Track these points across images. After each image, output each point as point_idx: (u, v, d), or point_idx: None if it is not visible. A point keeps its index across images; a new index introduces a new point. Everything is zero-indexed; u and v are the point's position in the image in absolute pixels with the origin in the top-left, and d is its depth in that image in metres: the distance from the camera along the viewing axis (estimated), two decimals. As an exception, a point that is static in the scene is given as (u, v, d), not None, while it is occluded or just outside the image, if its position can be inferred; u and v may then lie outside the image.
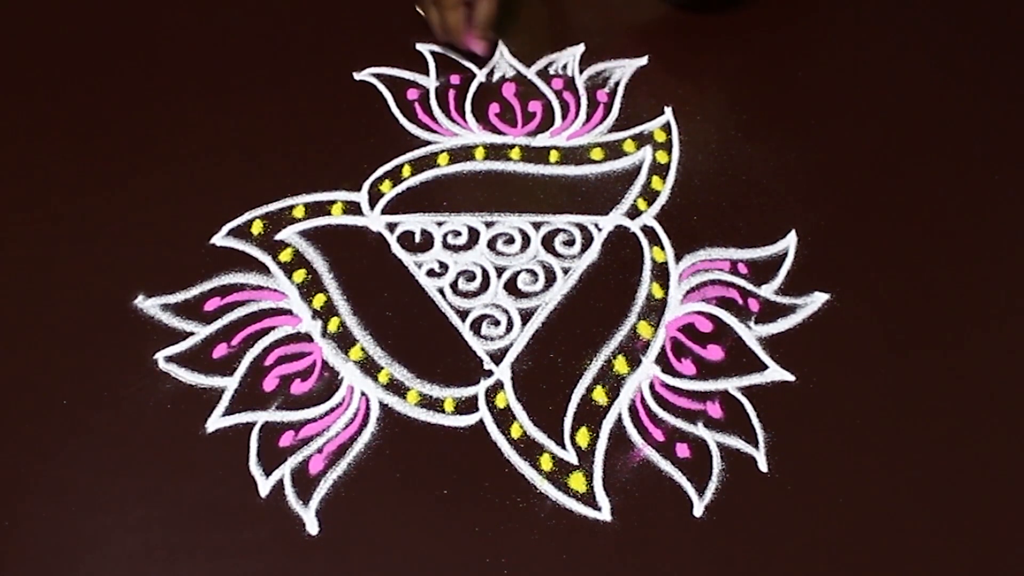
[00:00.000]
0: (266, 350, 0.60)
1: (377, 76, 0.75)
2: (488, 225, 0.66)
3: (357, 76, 0.75)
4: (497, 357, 0.60)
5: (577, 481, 0.55)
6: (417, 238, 0.66)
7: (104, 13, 0.79)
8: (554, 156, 0.70)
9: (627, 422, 0.58)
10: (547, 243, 0.66)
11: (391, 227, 0.66)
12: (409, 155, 0.70)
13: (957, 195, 0.69)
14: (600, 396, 0.59)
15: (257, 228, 0.66)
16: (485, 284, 0.64)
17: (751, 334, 0.61)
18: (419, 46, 0.77)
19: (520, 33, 0.78)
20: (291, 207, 0.67)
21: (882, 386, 0.59)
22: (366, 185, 0.68)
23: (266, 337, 0.61)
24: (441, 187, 0.69)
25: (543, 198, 0.68)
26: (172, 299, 0.62)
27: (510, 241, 0.66)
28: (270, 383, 0.59)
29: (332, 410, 0.58)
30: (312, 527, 0.54)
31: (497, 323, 0.62)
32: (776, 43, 0.78)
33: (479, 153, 0.70)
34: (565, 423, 0.58)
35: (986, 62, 0.77)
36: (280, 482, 0.55)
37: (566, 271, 0.64)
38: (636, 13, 0.80)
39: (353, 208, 0.67)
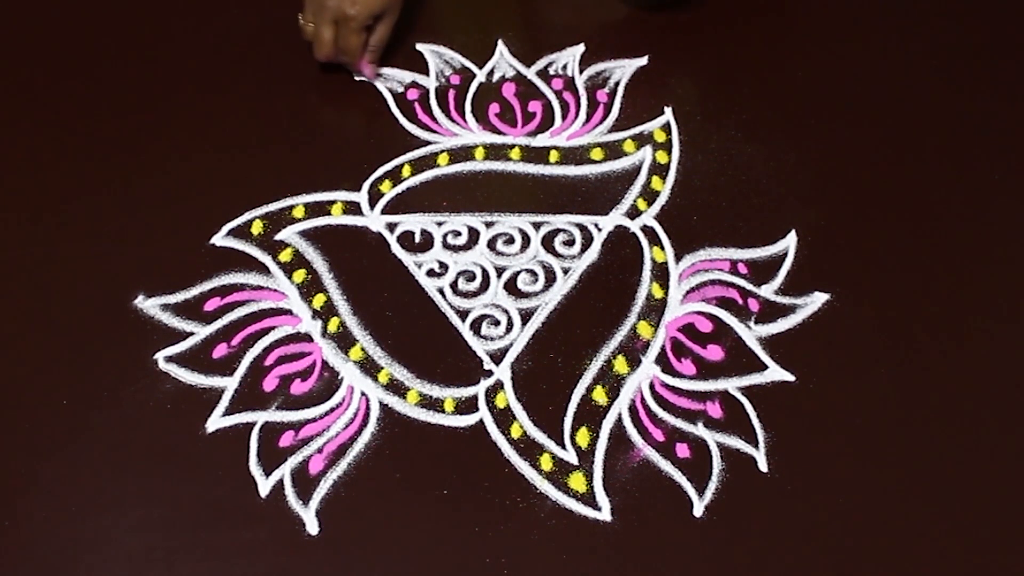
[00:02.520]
0: (266, 350, 0.60)
1: (377, 76, 0.75)
2: (488, 225, 0.66)
3: (357, 76, 0.75)
4: (497, 357, 0.60)
5: (577, 481, 0.55)
6: (417, 238, 0.66)
7: (105, 13, 0.79)
8: (554, 156, 0.70)
9: (627, 422, 0.58)
10: (547, 243, 0.66)
11: (391, 227, 0.66)
12: (409, 155, 0.70)
13: (957, 195, 0.69)
14: (600, 396, 0.59)
15: (257, 228, 0.66)
16: (485, 284, 0.64)
17: (751, 334, 0.61)
18: (419, 46, 0.77)
19: (520, 33, 0.78)
20: (291, 207, 0.67)
21: (882, 386, 0.59)
22: (366, 185, 0.68)
23: (266, 337, 0.61)
24: (441, 187, 0.69)
25: (543, 198, 0.68)
26: (172, 299, 0.62)
27: (510, 241, 0.66)
28: (270, 383, 0.59)
29: (332, 410, 0.58)
30: (312, 527, 0.54)
31: (497, 323, 0.62)
32: (776, 44, 0.78)
33: (479, 153, 0.70)
34: (565, 423, 0.58)
35: (986, 62, 0.77)
36: (280, 482, 0.55)
37: (566, 271, 0.64)
38: (638, 13, 0.80)
39: (353, 208, 0.67)
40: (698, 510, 0.54)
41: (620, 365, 0.60)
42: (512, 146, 0.71)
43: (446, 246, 0.65)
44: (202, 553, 0.53)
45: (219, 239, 0.65)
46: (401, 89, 0.74)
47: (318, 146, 0.71)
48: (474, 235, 0.66)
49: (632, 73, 0.75)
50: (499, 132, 0.72)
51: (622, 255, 0.65)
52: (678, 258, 0.65)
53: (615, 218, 0.67)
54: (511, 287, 0.63)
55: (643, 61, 0.76)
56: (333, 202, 0.68)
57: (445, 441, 0.57)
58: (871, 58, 0.77)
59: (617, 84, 0.75)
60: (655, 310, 0.62)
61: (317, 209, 0.67)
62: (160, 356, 0.60)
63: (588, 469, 0.56)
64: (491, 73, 0.75)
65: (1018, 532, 0.54)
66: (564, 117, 0.73)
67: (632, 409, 0.58)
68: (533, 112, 0.73)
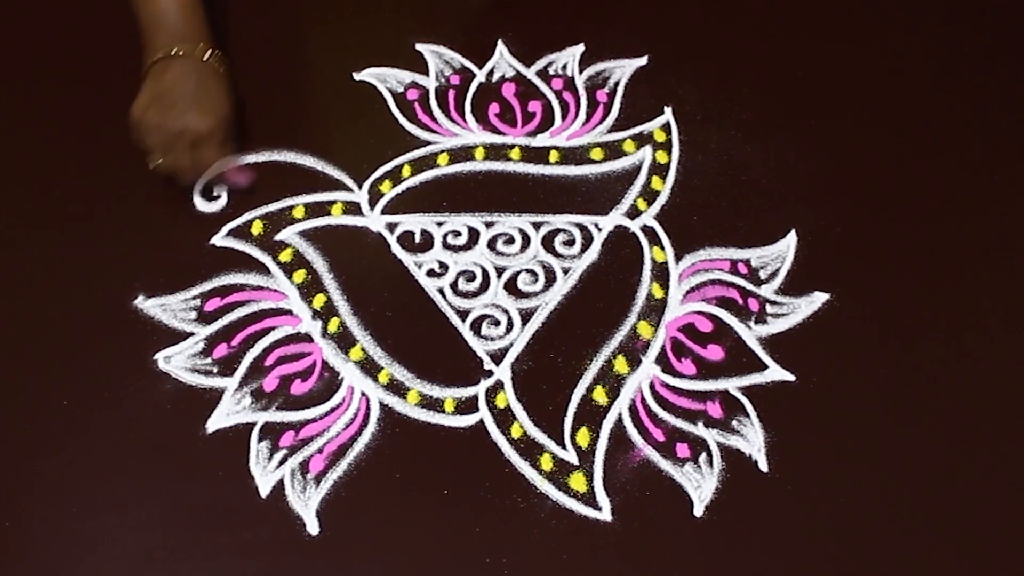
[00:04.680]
0: (266, 350, 0.60)
1: (377, 76, 0.75)
2: (488, 225, 0.66)
3: (357, 76, 0.75)
4: (497, 357, 0.60)
5: (577, 481, 0.55)
6: (417, 238, 0.66)
7: (107, 14, 0.79)
8: (554, 156, 0.70)
9: (627, 422, 0.58)
10: (547, 243, 0.66)
11: (391, 227, 0.66)
12: (409, 155, 0.70)
13: (957, 195, 0.69)
14: (600, 396, 0.59)
15: (257, 228, 0.66)
16: (485, 284, 0.64)
17: (751, 334, 0.61)
18: (419, 46, 0.77)
19: (520, 33, 0.78)
20: (291, 207, 0.67)
21: (882, 386, 0.59)
22: (366, 185, 0.68)
23: (266, 337, 0.61)
24: (441, 187, 0.69)
25: (543, 198, 0.68)
26: (172, 299, 0.62)
27: (510, 241, 0.66)
28: (270, 383, 0.59)
29: (332, 410, 0.58)
30: (312, 527, 0.54)
31: (497, 323, 0.62)
32: (776, 44, 0.78)
33: (479, 153, 0.70)
34: (565, 423, 0.58)
35: (986, 62, 0.77)
36: (280, 482, 0.55)
37: (566, 271, 0.64)
38: (636, 13, 0.80)
39: (353, 208, 0.67)
40: (698, 510, 0.54)
41: (620, 365, 0.60)
42: (512, 146, 0.71)
43: (446, 246, 0.65)
44: (202, 553, 0.53)
45: (219, 239, 0.65)
46: (401, 89, 0.74)
47: (318, 146, 0.70)
48: (474, 235, 0.66)
49: (632, 73, 0.75)
50: (499, 132, 0.72)
51: (622, 255, 0.65)
52: (678, 258, 0.65)
53: (615, 218, 0.67)
54: (511, 287, 0.63)
55: (643, 61, 0.76)
56: (333, 202, 0.68)
57: (445, 441, 0.57)
58: (871, 58, 0.77)
59: (617, 84, 0.75)
60: (655, 310, 0.62)
61: (317, 209, 0.67)
62: (160, 356, 0.60)
63: (588, 469, 0.56)
64: (491, 73, 0.75)
65: (1018, 532, 0.54)
66: (564, 117, 0.73)
67: (632, 409, 0.58)
68: (533, 112, 0.73)
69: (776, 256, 0.65)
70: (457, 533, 0.54)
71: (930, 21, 0.80)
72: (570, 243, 0.66)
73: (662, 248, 0.65)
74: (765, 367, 0.60)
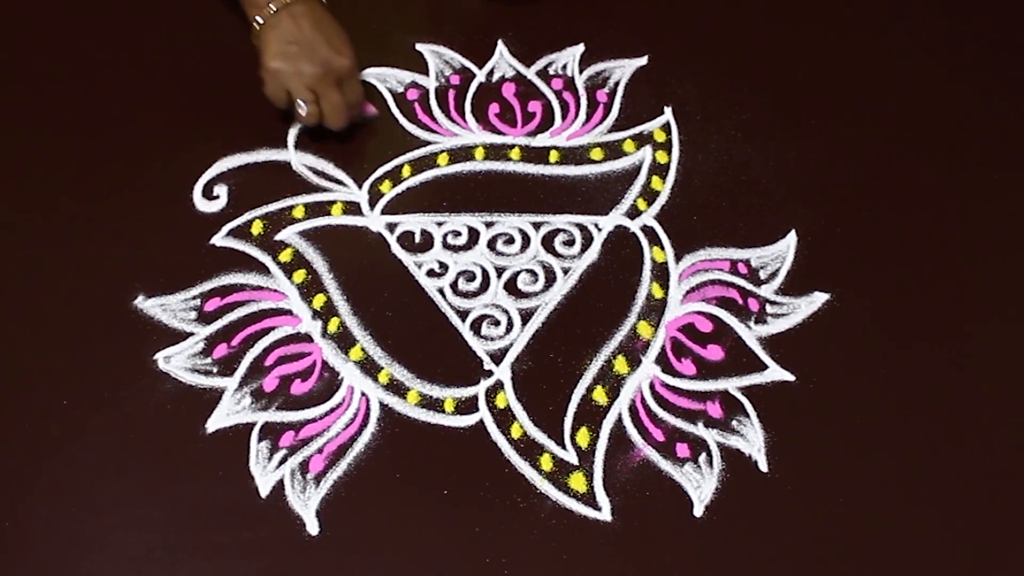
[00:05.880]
0: (266, 350, 0.60)
1: (377, 76, 0.75)
2: (488, 225, 0.66)
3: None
4: (497, 357, 0.60)
5: (577, 481, 0.55)
6: (417, 238, 0.66)
7: (108, 12, 0.79)
8: (554, 156, 0.70)
9: (627, 422, 0.58)
10: (547, 243, 0.66)
11: (391, 227, 0.66)
12: (409, 155, 0.70)
13: (957, 195, 0.69)
14: (600, 396, 0.59)
15: (257, 228, 0.66)
16: (485, 284, 0.64)
17: (751, 334, 0.61)
18: (419, 46, 0.77)
19: (520, 33, 0.78)
20: (291, 207, 0.67)
21: (882, 386, 0.59)
22: (366, 185, 0.68)
23: (266, 337, 0.61)
24: (441, 187, 0.69)
25: (543, 198, 0.68)
26: (172, 299, 0.62)
27: (510, 241, 0.66)
28: (270, 383, 0.59)
29: (332, 410, 0.58)
30: (312, 527, 0.54)
31: (497, 323, 0.62)
32: (776, 44, 0.78)
33: (479, 153, 0.70)
34: (565, 423, 0.58)
35: (986, 62, 0.77)
36: (280, 482, 0.55)
37: (566, 271, 0.64)
38: (636, 13, 0.80)
39: (353, 208, 0.67)
40: (698, 510, 0.54)
41: (620, 365, 0.60)
42: (512, 146, 0.71)
43: (446, 246, 0.65)
44: (202, 553, 0.53)
45: (219, 239, 0.65)
46: (401, 89, 0.74)
47: (318, 146, 0.70)
48: (474, 235, 0.66)
49: (632, 73, 0.75)
50: (499, 132, 0.72)
51: (622, 255, 0.65)
52: (678, 258, 0.65)
53: (615, 218, 0.67)
54: (511, 287, 0.63)
55: (643, 61, 0.76)
56: (333, 202, 0.68)
57: (445, 441, 0.57)
58: (871, 58, 0.77)
59: (617, 84, 0.75)
60: (655, 310, 0.62)
61: (317, 209, 0.67)
62: (160, 356, 0.60)
63: (588, 469, 0.56)
64: (491, 73, 0.75)
65: (1017, 532, 0.54)
66: (564, 117, 0.73)
67: (632, 409, 0.58)
68: (533, 112, 0.73)
69: (776, 256, 0.65)
70: (457, 533, 0.54)
71: (931, 21, 0.80)
72: (570, 243, 0.66)
73: (662, 248, 0.65)
74: (765, 367, 0.60)
